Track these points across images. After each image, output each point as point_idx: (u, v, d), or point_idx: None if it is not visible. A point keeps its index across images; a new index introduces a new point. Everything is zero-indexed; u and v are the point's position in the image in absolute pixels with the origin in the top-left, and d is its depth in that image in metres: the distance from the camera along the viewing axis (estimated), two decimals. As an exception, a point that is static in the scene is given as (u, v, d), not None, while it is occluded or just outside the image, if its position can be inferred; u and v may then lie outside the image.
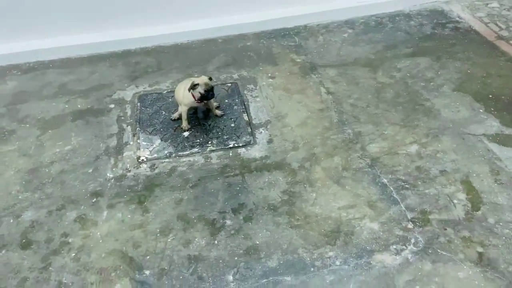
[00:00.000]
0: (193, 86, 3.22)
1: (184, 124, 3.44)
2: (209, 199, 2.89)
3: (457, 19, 4.78)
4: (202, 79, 3.25)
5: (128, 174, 3.10)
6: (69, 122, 3.60)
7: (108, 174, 3.10)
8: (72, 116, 3.66)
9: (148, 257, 2.56)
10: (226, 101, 3.77)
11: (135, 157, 3.24)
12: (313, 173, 3.05)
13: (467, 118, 3.43)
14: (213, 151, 3.27)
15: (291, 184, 2.98)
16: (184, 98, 3.33)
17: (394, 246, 2.56)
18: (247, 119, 3.56)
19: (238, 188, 2.96)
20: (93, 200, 2.92)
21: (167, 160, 3.21)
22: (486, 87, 3.75)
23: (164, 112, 3.66)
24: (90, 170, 3.14)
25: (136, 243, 2.64)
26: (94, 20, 4.43)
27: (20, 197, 2.97)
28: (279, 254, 2.55)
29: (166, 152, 3.28)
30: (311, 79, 3.98)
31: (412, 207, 2.78)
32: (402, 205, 2.80)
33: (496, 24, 4.65)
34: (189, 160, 3.20)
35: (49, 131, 3.51)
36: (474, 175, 2.96)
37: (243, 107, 3.70)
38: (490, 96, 3.64)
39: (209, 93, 3.26)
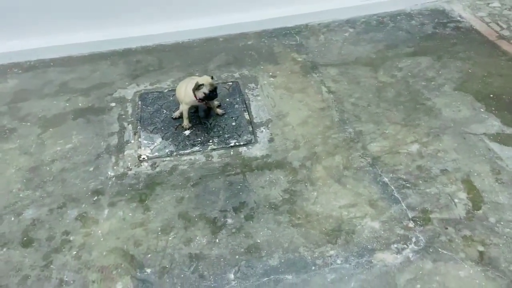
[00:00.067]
0: (198, 87, 3.21)
1: (185, 122, 3.44)
2: (210, 198, 2.90)
3: (458, 18, 4.78)
4: (206, 79, 3.24)
5: (129, 172, 3.11)
6: (70, 120, 3.60)
7: (109, 173, 3.11)
8: (73, 115, 3.66)
9: (149, 255, 2.56)
10: (227, 100, 3.77)
11: (136, 156, 3.24)
12: (314, 172, 3.05)
13: (468, 118, 3.44)
14: (214, 149, 3.27)
15: (292, 183, 2.98)
16: (186, 97, 3.32)
17: (395, 245, 2.56)
18: (248, 118, 3.56)
19: (239, 186, 2.96)
20: (94, 199, 2.92)
21: (168, 158, 3.22)
22: (487, 86, 3.75)
23: (165, 111, 3.66)
24: (91, 169, 3.14)
25: (137, 241, 2.64)
26: (95, 18, 4.43)
27: (21, 195, 2.97)
28: (280, 253, 2.55)
29: (167, 150, 3.28)
30: (312, 78, 3.98)
31: (413, 206, 2.78)
32: (403, 204, 2.80)
33: (497, 24, 4.65)
34: (190, 159, 3.20)
35: (50, 129, 3.51)
36: (475, 174, 2.97)
37: (244, 106, 3.70)
38: (491, 95, 3.65)
39: (213, 93, 3.27)
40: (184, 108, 3.40)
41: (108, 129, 3.50)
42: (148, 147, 3.31)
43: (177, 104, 3.61)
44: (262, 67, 4.18)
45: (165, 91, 3.90)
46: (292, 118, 3.53)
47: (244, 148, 3.28)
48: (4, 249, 2.63)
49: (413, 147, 3.21)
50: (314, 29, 4.74)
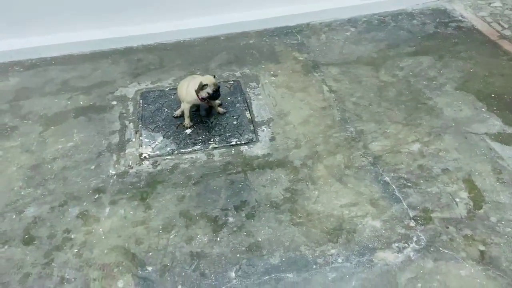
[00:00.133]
0: (202, 87, 3.21)
1: (187, 121, 3.45)
2: (211, 196, 2.90)
3: (460, 18, 4.78)
4: (210, 79, 3.24)
5: (131, 171, 3.11)
6: (72, 118, 3.60)
7: (110, 171, 3.11)
8: (75, 113, 3.66)
9: (150, 253, 2.57)
10: (229, 98, 3.77)
11: (138, 154, 3.24)
12: (316, 171, 3.05)
13: (470, 117, 3.44)
14: (215, 148, 3.28)
15: (293, 181, 2.98)
16: (187, 95, 3.32)
17: (396, 244, 2.57)
18: (250, 117, 3.56)
19: (240, 185, 2.97)
20: (96, 197, 2.92)
21: (169, 157, 3.22)
22: (489, 86, 3.75)
23: (166, 109, 3.66)
24: (93, 167, 3.14)
25: (139, 239, 2.64)
26: (96, 17, 4.43)
27: (22, 193, 2.98)
28: (281, 251, 2.55)
29: (168, 149, 3.28)
30: (313, 77, 3.98)
31: (414, 205, 2.78)
32: (404, 203, 2.80)
33: (499, 24, 4.64)
34: (192, 157, 3.21)
35: (52, 127, 3.52)
36: (476, 173, 2.97)
37: (246, 105, 3.70)
38: (493, 95, 3.65)
39: (216, 93, 3.27)
40: (185, 107, 3.40)
41: (109, 127, 3.50)
42: (150, 145, 3.31)
43: (178, 102, 3.61)
44: (263, 66, 4.18)
45: (166, 89, 3.90)
46: (293, 117, 3.53)
47: (246, 147, 3.28)
48: (6, 247, 2.64)
49: (415, 146, 3.21)
50: (315, 28, 4.74)
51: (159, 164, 3.15)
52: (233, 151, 3.24)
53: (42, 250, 2.61)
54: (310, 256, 2.52)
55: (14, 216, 2.82)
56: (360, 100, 3.68)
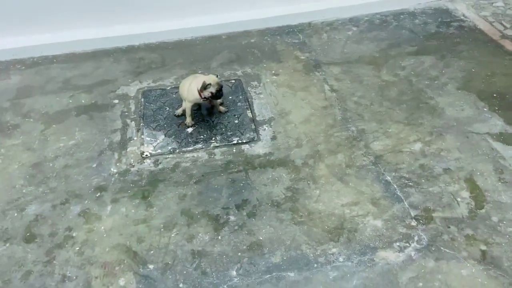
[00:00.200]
0: (205, 86, 3.21)
1: (188, 120, 3.45)
2: (212, 195, 2.90)
3: (462, 17, 4.77)
4: (213, 79, 3.24)
5: (132, 169, 3.11)
6: (73, 117, 3.61)
7: (112, 169, 3.11)
8: (76, 111, 3.66)
9: (152, 251, 2.57)
10: (230, 97, 3.77)
11: (139, 153, 3.24)
12: (317, 170, 3.05)
13: (471, 117, 3.43)
14: (216, 147, 3.28)
15: (294, 180, 2.98)
16: (189, 94, 3.32)
17: (398, 243, 2.57)
18: (251, 116, 3.56)
19: (241, 184, 2.97)
20: (97, 195, 2.93)
21: (170, 155, 3.22)
22: (491, 86, 3.75)
23: (168, 108, 3.67)
24: (94, 165, 3.15)
25: (140, 237, 2.65)
26: (98, 15, 4.43)
27: (24, 191, 2.98)
28: (283, 250, 2.56)
29: (169, 147, 3.28)
30: (315, 77, 3.98)
31: (416, 205, 2.78)
32: (405, 203, 2.80)
33: (501, 23, 4.64)
34: (193, 156, 3.21)
35: (53, 125, 3.52)
36: (478, 173, 2.97)
37: (247, 104, 3.70)
38: (495, 95, 3.64)
39: (219, 92, 3.27)
40: (187, 106, 3.40)
41: (111, 126, 3.50)
42: (151, 144, 3.32)
43: (180, 101, 3.61)
44: (265, 65, 4.18)
45: (168, 88, 3.91)
46: (294, 116, 3.53)
47: (247, 145, 3.28)
48: (7, 245, 2.64)
49: (416, 146, 3.21)
50: (317, 27, 4.74)
51: (160, 163, 3.16)
52: (234, 150, 3.24)
53: (44, 248, 2.61)
54: (311, 255, 2.52)
55: (15, 214, 2.82)
56: (361, 100, 3.68)
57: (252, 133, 3.38)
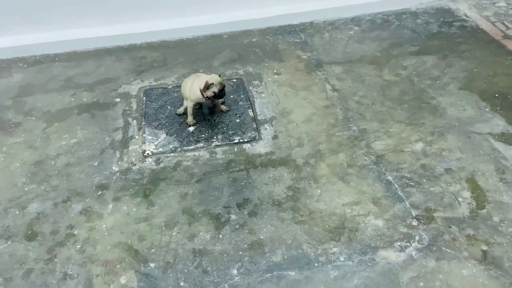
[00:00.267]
0: (208, 86, 3.21)
1: (190, 119, 3.45)
2: (214, 194, 2.90)
3: (464, 17, 4.76)
4: (216, 78, 3.24)
5: (134, 167, 3.12)
6: (75, 115, 3.61)
7: (113, 168, 3.12)
8: (78, 110, 3.67)
9: (153, 250, 2.57)
10: (232, 96, 3.77)
11: (141, 151, 3.25)
12: (318, 170, 3.05)
13: (473, 117, 3.43)
14: (218, 146, 3.28)
15: (295, 180, 2.98)
16: (191, 93, 3.33)
17: (399, 243, 2.57)
18: (253, 115, 3.56)
19: (243, 183, 2.97)
20: (99, 193, 2.93)
21: (172, 154, 3.22)
22: (493, 86, 3.74)
23: (169, 107, 3.67)
24: (96, 163, 3.15)
25: (141, 236, 2.65)
26: (100, 14, 4.44)
27: (26, 189, 2.99)
28: (284, 249, 2.56)
29: (171, 146, 3.29)
30: (316, 76, 3.98)
31: (417, 205, 2.78)
32: (406, 203, 2.80)
33: (503, 23, 4.63)
34: (194, 155, 3.21)
35: (55, 124, 3.53)
36: (480, 173, 2.96)
37: (249, 103, 3.70)
38: (496, 95, 3.64)
39: (222, 92, 3.27)
40: (189, 105, 3.41)
41: (112, 124, 3.51)
42: (153, 142, 3.32)
43: (181, 100, 3.61)
44: (266, 64, 4.18)
45: (170, 87, 3.91)
46: (296, 116, 3.53)
47: (248, 145, 3.28)
48: (9, 242, 2.65)
49: (418, 145, 3.21)
50: (319, 26, 4.74)
51: (162, 161, 3.16)
52: (235, 149, 3.25)
53: (45, 246, 2.62)
54: (312, 254, 2.53)
55: (17, 212, 2.83)
56: (363, 99, 3.68)
57: (253, 132, 3.39)
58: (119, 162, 3.16)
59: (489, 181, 2.91)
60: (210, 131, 3.42)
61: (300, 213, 2.76)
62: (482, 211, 2.72)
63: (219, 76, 3.31)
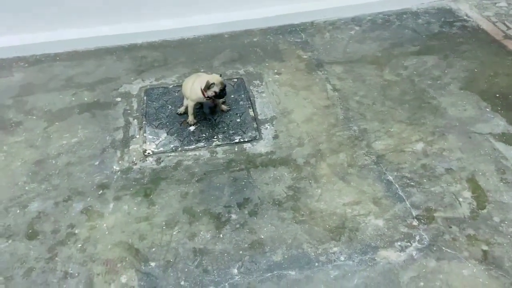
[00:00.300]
0: (209, 86, 3.21)
1: (190, 118, 3.45)
2: (214, 193, 2.91)
3: (465, 17, 4.76)
4: (217, 78, 3.24)
5: (134, 167, 3.12)
6: (76, 114, 3.62)
7: (114, 167, 3.12)
8: (79, 109, 3.67)
9: (153, 249, 2.58)
10: (232, 96, 3.77)
11: (141, 151, 3.25)
12: (319, 169, 3.05)
13: (474, 117, 3.43)
14: (218, 145, 3.28)
15: (296, 179, 2.99)
16: (192, 93, 3.33)
17: (399, 243, 2.57)
18: (253, 115, 3.56)
19: (243, 183, 2.97)
20: (100, 192, 2.94)
21: (173, 154, 3.23)
22: (493, 86, 3.74)
23: (170, 106, 3.67)
24: (97, 163, 3.16)
25: (142, 235, 2.65)
26: (101, 13, 4.44)
27: (26, 188, 2.99)
28: (284, 249, 2.56)
29: (172, 146, 3.29)
30: (317, 76, 3.98)
31: (417, 205, 2.78)
32: (407, 202, 2.80)
33: (504, 23, 4.63)
34: (195, 154, 3.21)
35: (56, 123, 3.53)
36: (480, 173, 2.96)
37: (249, 102, 3.70)
38: (497, 95, 3.64)
39: (223, 92, 3.27)
40: (189, 104, 3.41)
41: (113, 123, 3.51)
42: (153, 142, 3.32)
43: (182, 99, 3.61)
44: (267, 64, 4.18)
45: (170, 86, 3.91)
46: (296, 115, 3.53)
47: (249, 144, 3.29)
48: (10, 241, 2.65)
49: (418, 145, 3.21)
50: (319, 26, 4.74)
51: (162, 161, 3.16)
52: (236, 149, 3.25)
53: (46, 245, 2.62)
54: (313, 254, 2.53)
55: (18, 211, 2.84)
56: (363, 99, 3.68)
57: (254, 132, 3.39)
58: (120, 162, 3.16)
59: (489, 181, 2.91)
60: (210, 130, 3.42)
61: (300, 212, 2.76)
62: (482, 211, 2.72)
63: (220, 75, 3.31)
